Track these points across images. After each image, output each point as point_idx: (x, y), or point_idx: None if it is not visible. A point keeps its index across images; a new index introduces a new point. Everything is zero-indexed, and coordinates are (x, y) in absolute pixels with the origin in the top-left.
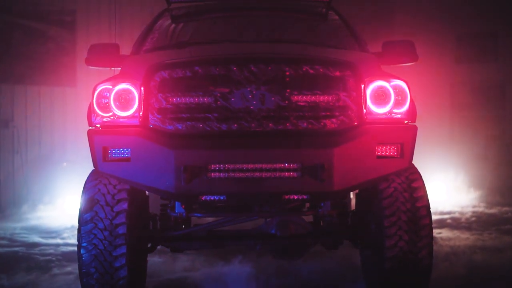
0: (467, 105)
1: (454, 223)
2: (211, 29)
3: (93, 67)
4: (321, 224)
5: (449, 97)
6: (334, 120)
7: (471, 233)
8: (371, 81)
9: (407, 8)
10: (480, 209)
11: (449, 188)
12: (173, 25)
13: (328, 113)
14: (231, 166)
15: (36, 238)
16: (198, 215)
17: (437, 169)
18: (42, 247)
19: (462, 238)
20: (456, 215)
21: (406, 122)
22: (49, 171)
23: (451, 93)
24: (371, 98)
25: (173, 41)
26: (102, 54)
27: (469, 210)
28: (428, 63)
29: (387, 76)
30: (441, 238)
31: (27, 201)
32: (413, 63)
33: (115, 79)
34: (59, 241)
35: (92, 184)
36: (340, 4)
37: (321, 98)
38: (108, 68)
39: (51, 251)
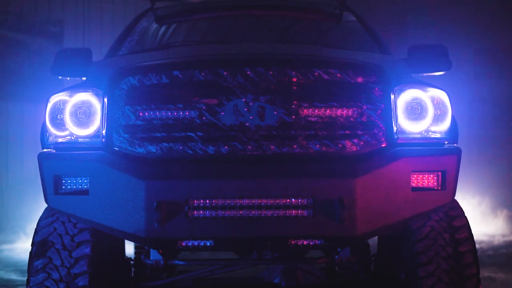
0: (487, 123)
1: (484, 255)
2: (202, 31)
3: (62, 77)
4: (336, 270)
5: (467, 114)
6: (355, 140)
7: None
8: (403, 90)
9: (421, 22)
10: (510, 238)
11: (473, 214)
12: (157, 27)
13: (347, 132)
14: (220, 202)
15: None
16: (180, 263)
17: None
18: None
19: (503, 279)
20: (483, 245)
21: (446, 143)
22: (33, 197)
23: (469, 110)
24: (403, 112)
25: (156, 44)
26: (71, 61)
27: (497, 239)
28: (444, 78)
29: (422, 84)
30: (482, 278)
31: (6, 230)
32: (445, 72)
33: (73, 88)
34: (22, 278)
35: (46, 222)
36: None
37: (339, 112)
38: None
39: None
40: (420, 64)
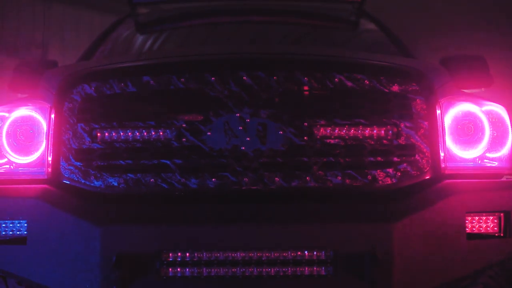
0: None
1: None
2: (192, 41)
3: (21, 95)
4: None
5: None
6: (390, 170)
7: None
8: (452, 104)
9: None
10: None
11: None
12: (137, 35)
13: (379, 159)
14: (205, 256)
15: None
16: None
17: None
18: None
19: None
20: None
21: (506, 173)
22: None
23: None
24: (453, 133)
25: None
26: (31, 75)
27: None
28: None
29: (475, 97)
30: None
31: None
32: (485, 89)
33: (14, 102)
34: None
35: None
36: None
37: (367, 131)
38: None
39: None
40: (455, 78)
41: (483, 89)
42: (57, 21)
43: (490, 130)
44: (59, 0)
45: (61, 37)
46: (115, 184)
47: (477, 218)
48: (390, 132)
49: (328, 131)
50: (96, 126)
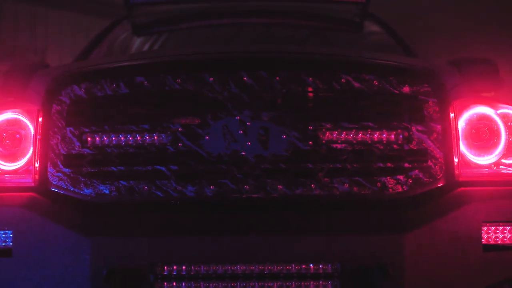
0: None
1: None
2: (188, 42)
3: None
4: None
5: None
6: (401, 177)
7: None
8: (466, 106)
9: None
10: None
11: None
12: (134, 37)
13: (389, 165)
14: (202, 269)
15: None
16: None
17: None
18: None
19: None
20: None
21: None
22: None
23: None
24: (467, 138)
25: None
26: (23, 80)
27: None
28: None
29: (488, 100)
30: None
31: None
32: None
33: (0, 105)
34: None
35: None
36: None
37: (376, 135)
38: None
39: None
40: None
41: (493, 92)
42: (55, 26)
43: (506, 135)
44: (57, 4)
45: (59, 42)
46: (107, 192)
47: (493, 228)
48: (401, 136)
49: (335, 135)
50: (86, 130)
